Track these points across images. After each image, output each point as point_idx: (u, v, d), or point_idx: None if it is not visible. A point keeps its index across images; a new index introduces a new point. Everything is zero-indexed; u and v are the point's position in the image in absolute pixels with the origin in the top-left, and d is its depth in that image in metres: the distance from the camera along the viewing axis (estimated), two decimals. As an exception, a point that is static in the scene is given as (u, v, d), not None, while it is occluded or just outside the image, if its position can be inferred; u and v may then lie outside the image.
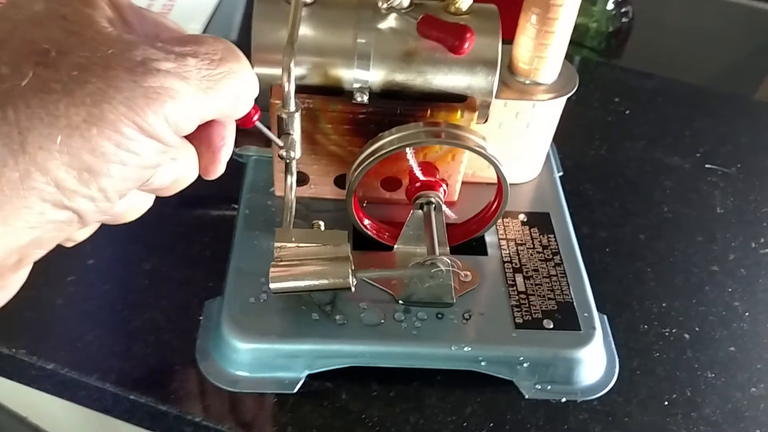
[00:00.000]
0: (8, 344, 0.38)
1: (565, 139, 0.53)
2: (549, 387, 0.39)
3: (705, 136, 0.59)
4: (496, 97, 0.40)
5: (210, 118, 0.24)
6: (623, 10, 0.73)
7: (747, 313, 0.44)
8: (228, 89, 0.24)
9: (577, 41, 0.42)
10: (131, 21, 0.24)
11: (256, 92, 0.26)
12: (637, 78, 0.65)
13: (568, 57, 0.43)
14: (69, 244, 0.26)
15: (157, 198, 0.28)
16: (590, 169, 0.54)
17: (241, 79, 0.24)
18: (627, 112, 0.60)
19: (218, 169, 0.27)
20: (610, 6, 0.71)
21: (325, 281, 0.35)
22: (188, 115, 0.23)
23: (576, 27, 0.41)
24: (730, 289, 0.46)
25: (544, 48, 0.41)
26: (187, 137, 0.26)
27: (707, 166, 0.56)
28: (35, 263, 0.23)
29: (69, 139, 0.20)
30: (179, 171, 0.26)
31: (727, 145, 0.58)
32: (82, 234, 0.26)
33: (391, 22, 0.39)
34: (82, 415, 0.39)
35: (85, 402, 0.38)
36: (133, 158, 0.22)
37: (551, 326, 0.39)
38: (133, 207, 0.27)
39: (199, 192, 0.30)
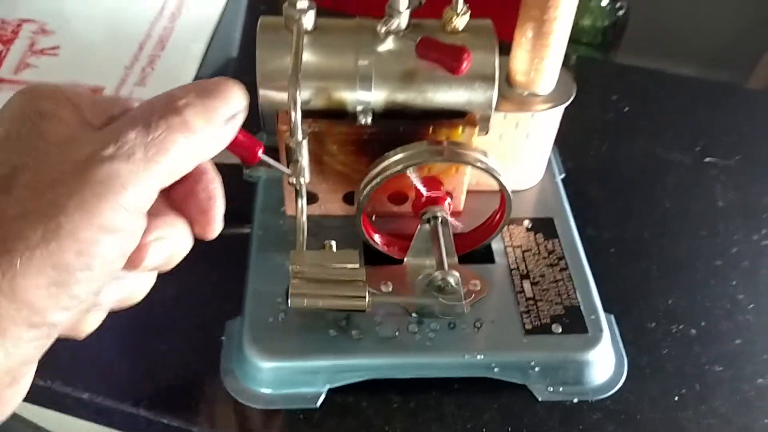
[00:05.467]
0: (43, 376, 0.40)
1: (565, 140, 0.53)
2: (561, 389, 0.40)
3: (704, 129, 0.59)
4: (496, 109, 0.41)
5: (173, 181, 0.23)
6: (618, 4, 0.73)
7: (751, 305, 0.45)
8: (176, 145, 0.22)
9: (573, 38, 0.43)
10: (88, 117, 0.23)
11: (212, 129, 0.23)
12: (635, 73, 0.65)
13: (565, 55, 0.43)
14: (82, 336, 0.25)
15: None
16: (592, 169, 0.55)
17: (185, 128, 0.22)
18: (626, 109, 0.61)
19: (215, 228, 0.26)
20: (604, 2, 0.72)
21: (342, 302, 0.36)
22: (145, 191, 0.21)
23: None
24: (734, 282, 0.47)
25: (540, 61, 0.42)
26: (174, 207, 0.25)
27: (707, 159, 0.56)
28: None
29: (29, 260, 0.19)
30: (171, 248, 0.25)
31: (726, 136, 0.59)
32: (92, 324, 0.25)
33: (390, 44, 0.39)
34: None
35: (120, 426, 0.40)
36: (98, 260, 0.21)
37: (560, 330, 0.40)
38: (137, 289, 0.26)
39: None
